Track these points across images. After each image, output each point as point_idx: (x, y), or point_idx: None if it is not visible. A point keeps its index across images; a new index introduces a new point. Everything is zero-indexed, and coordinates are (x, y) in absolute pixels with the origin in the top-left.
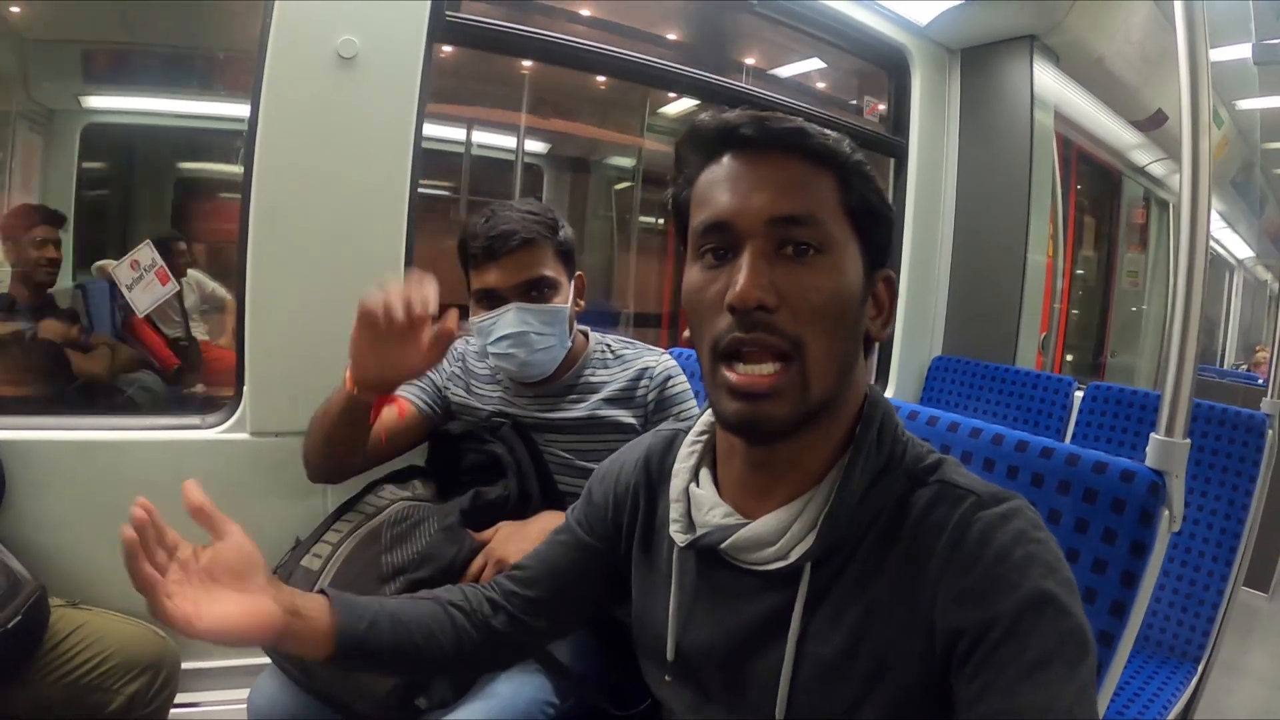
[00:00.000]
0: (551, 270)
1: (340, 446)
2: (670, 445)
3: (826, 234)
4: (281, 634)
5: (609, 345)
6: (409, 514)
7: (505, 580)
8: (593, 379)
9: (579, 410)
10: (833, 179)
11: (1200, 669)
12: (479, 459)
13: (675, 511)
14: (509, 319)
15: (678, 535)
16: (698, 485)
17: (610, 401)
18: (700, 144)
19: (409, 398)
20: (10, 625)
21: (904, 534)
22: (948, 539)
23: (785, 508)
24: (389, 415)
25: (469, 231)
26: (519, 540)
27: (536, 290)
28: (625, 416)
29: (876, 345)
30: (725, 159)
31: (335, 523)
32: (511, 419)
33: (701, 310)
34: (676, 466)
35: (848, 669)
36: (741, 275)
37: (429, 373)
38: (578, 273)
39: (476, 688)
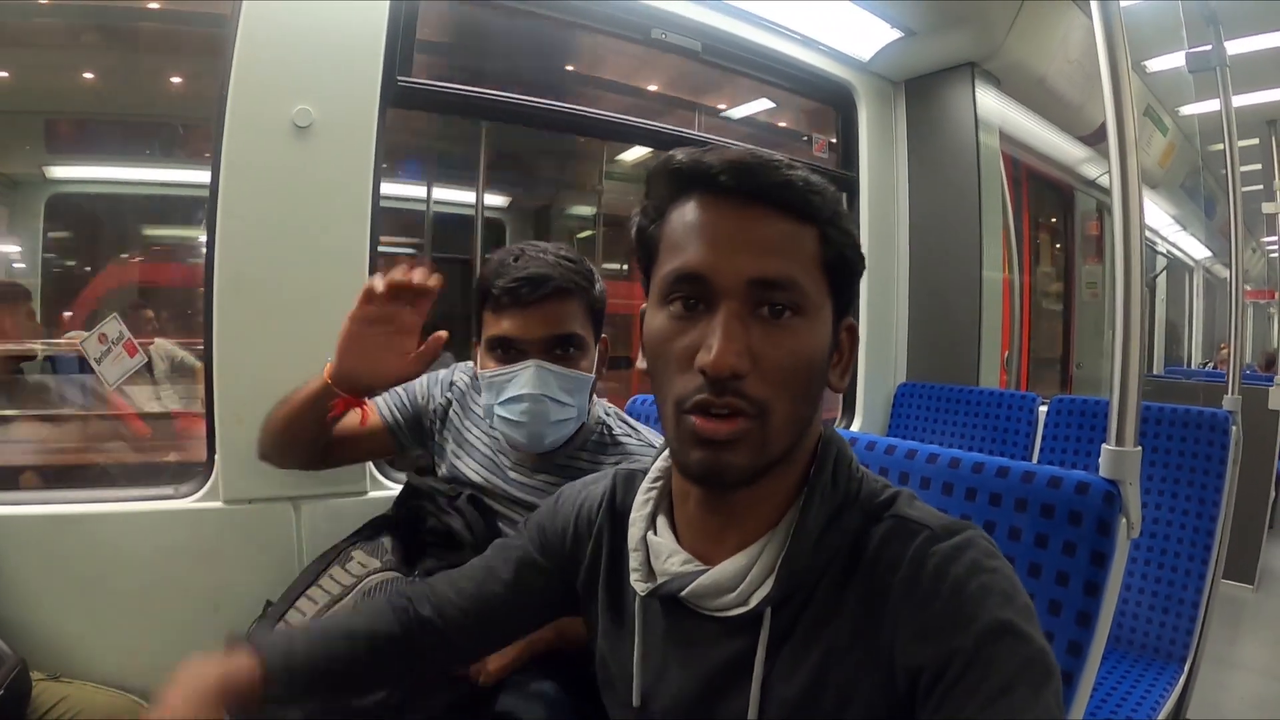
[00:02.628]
0: (582, 329)
1: (296, 431)
2: (631, 487)
3: (804, 295)
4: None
5: (610, 428)
6: (380, 588)
7: (444, 587)
8: (582, 465)
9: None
10: (815, 235)
11: (1187, 667)
12: (438, 526)
13: (634, 561)
14: (527, 377)
15: (638, 584)
16: (655, 533)
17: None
18: (673, 180)
19: (376, 404)
20: None
21: (860, 571)
22: (903, 574)
23: (743, 552)
24: (351, 418)
25: (491, 268)
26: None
27: (563, 349)
28: None
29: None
30: (698, 200)
31: (308, 589)
32: (479, 487)
33: (668, 360)
34: (633, 515)
35: (813, 710)
36: (716, 341)
37: (404, 388)
38: (603, 336)
39: None
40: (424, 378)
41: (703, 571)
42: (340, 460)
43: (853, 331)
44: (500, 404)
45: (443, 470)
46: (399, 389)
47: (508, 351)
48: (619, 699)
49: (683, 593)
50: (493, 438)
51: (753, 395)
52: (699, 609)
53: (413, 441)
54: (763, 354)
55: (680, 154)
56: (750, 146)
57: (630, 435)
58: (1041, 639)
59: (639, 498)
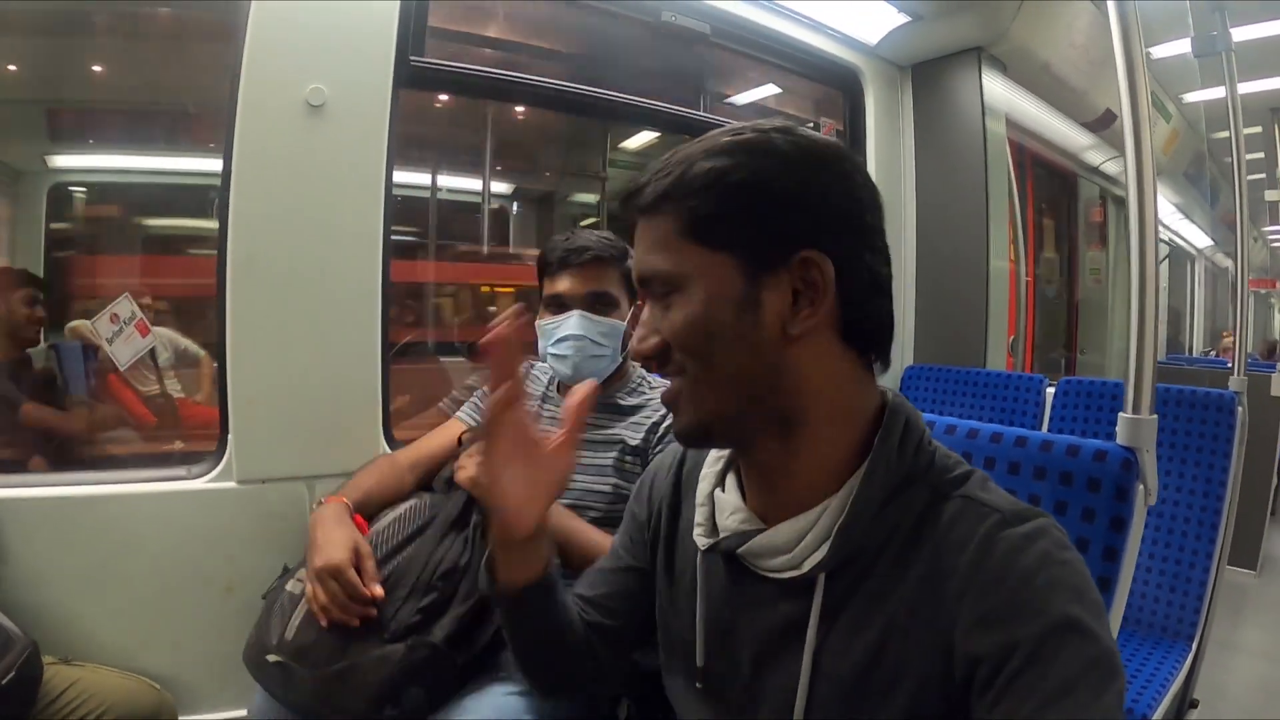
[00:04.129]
0: (615, 289)
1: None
2: (701, 454)
3: (672, 274)
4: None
5: (645, 377)
6: (399, 526)
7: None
8: (622, 402)
9: (599, 435)
10: (670, 216)
11: (1194, 646)
12: None
13: (700, 515)
14: (572, 323)
15: (699, 539)
16: (723, 490)
17: (628, 451)
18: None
19: (464, 418)
20: (3, 684)
21: (925, 549)
22: (970, 557)
23: (802, 515)
24: (442, 439)
25: (549, 245)
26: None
27: (599, 303)
28: (634, 466)
29: (871, 341)
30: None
31: None
32: None
33: None
34: (704, 470)
35: (865, 685)
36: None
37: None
38: (639, 302)
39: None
40: None
41: (760, 530)
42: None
43: (810, 265)
44: (552, 345)
45: None
46: (477, 395)
47: (559, 306)
48: (681, 661)
49: (740, 549)
50: (548, 400)
51: (676, 360)
52: (756, 569)
53: None
54: (663, 330)
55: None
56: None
57: (644, 393)
58: (1109, 638)
59: (711, 454)
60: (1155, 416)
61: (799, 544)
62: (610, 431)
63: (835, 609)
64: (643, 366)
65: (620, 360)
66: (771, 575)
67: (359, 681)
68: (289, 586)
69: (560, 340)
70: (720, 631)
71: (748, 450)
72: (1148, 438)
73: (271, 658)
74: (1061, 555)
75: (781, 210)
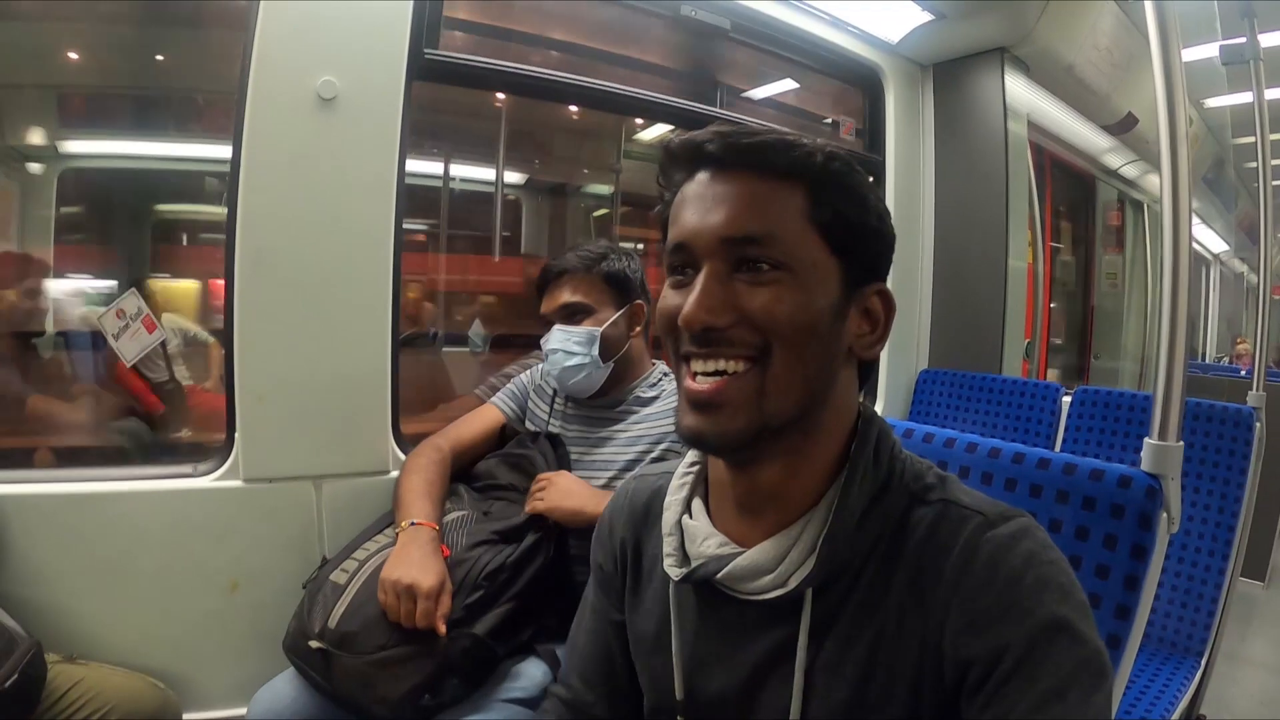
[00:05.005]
0: (584, 297)
1: None
2: (653, 488)
3: (786, 251)
4: None
5: (668, 373)
6: (455, 524)
7: (564, 691)
8: (644, 394)
9: (620, 436)
10: (801, 193)
11: (1204, 662)
12: (520, 454)
13: (669, 545)
14: (551, 338)
15: (672, 569)
16: (690, 516)
17: (649, 445)
18: (676, 162)
19: (499, 405)
20: (7, 684)
21: (908, 556)
22: (955, 561)
23: (783, 533)
24: (482, 422)
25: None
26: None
27: (570, 313)
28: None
29: (872, 366)
30: (698, 176)
31: (365, 542)
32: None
33: (666, 326)
34: (668, 500)
35: (860, 699)
36: (692, 297)
37: (514, 382)
38: (635, 301)
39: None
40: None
41: (739, 553)
42: (475, 459)
43: (886, 298)
44: (545, 362)
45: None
46: (512, 383)
47: (546, 324)
48: (662, 697)
49: (719, 575)
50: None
51: (745, 339)
52: (737, 593)
53: (521, 425)
54: (746, 307)
55: (674, 137)
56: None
57: (665, 385)
58: (1097, 638)
59: (674, 482)
60: (1181, 444)
61: (783, 562)
62: (640, 428)
63: (824, 625)
64: (693, 339)
65: (605, 363)
66: (754, 598)
67: (400, 670)
68: (333, 576)
69: (547, 356)
70: (701, 663)
71: (756, 468)
72: (1174, 465)
73: (314, 644)
74: (1047, 555)
75: (880, 240)
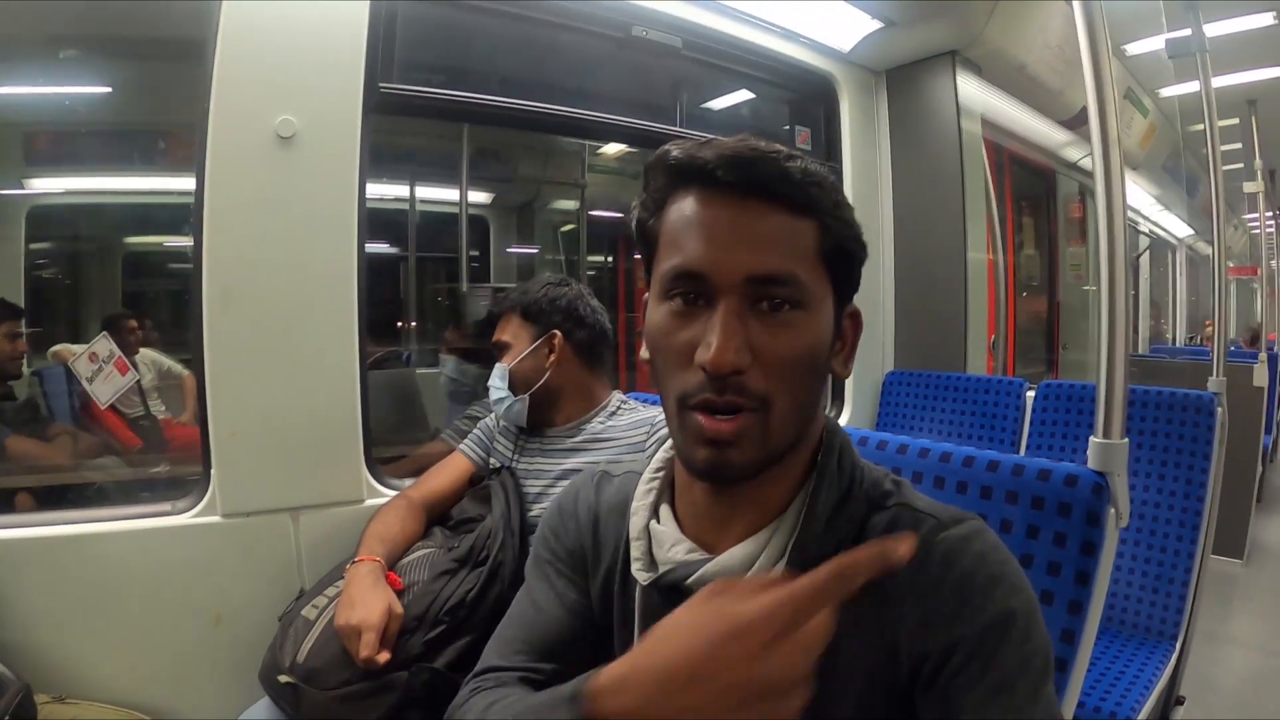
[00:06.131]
0: (507, 335)
1: None
2: (599, 487)
3: (803, 289)
4: None
5: (625, 402)
6: (419, 562)
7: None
8: (600, 423)
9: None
10: (814, 227)
11: (1179, 645)
12: (481, 491)
13: (636, 550)
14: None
15: (640, 574)
16: (658, 522)
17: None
18: (670, 174)
19: (466, 452)
20: None
21: None
22: (911, 562)
23: (751, 539)
24: (449, 475)
25: None
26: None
27: (499, 352)
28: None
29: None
30: (695, 195)
31: (337, 579)
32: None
33: (669, 355)
34: (635, 504)
35: (819, 693)
36: (715, 338)
37: (480, 427)
38: (551, 332)
39: None
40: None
41: (709, 559)
42: (448, 508)
43: (856, 318)
44: None
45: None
46: (477, 428)
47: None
48: None
49: (688, 580)
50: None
51: (754, 389)
52: None
53: (487, 470)
54: (762, 348)
55: (676, 148)
56: (747, 136)
57: (624, 416)
58: (1045, 634)
59: (641, 487)
60: (1126, 441)
61: (752, 567)
62: (606, 456)
63: None
64: (712, 383)
65: (516, 395)
66: None
67: (363, 705)
68: (304, 611)
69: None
70: None
71: (741, 483)
72: (1119, 461)
73: (283, 679)
74: (998, 555)
75: (861, 263)
